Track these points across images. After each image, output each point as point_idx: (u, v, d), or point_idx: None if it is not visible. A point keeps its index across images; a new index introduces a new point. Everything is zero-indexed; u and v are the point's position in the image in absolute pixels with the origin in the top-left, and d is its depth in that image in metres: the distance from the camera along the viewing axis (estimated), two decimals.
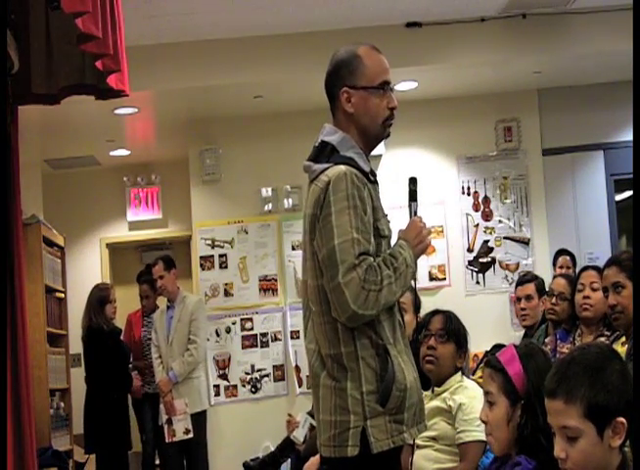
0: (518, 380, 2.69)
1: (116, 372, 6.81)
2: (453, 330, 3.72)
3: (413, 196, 2.94)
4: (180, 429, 6.71)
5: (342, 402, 2.70)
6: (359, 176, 2.74)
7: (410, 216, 2.90)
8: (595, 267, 4.47)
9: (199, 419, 6.81)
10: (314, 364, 2.81)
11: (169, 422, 6.73)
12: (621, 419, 2.08)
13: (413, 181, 2.96)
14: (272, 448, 6.60)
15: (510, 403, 2.70)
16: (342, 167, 2.73)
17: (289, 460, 6.14)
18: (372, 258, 2.68)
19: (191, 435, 6.70)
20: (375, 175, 2.89)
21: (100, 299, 6.85)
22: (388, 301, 2.70)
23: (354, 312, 2.64)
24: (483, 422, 2.81)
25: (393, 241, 2.87)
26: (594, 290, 4.25)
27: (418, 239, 2.83)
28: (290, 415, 5.25)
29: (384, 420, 2.68)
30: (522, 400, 2.67)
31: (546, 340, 4.83)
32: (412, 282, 2.84)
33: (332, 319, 2.73)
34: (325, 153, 2.84)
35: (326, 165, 2.78)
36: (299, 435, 5.05)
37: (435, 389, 3.70)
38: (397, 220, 3.09)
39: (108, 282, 7.79)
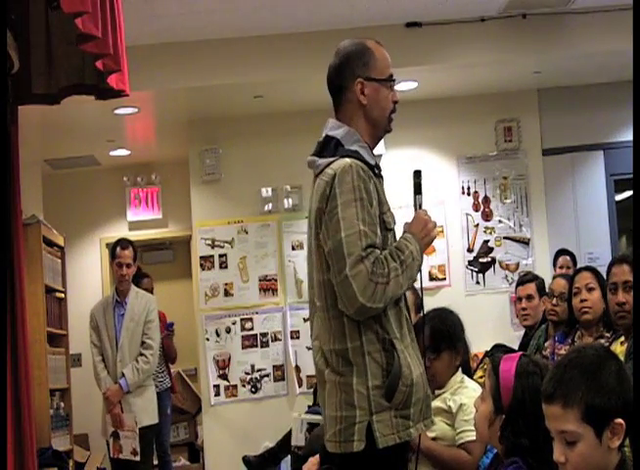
0: (505, 394, 2.66)
1: None
2: (443, 339, 3.58)
3: (418, 189, 2.95)
4: (127, 448, 6.06)
5: (348, 398, 2.70)
6: (365, 169, 2.75)
7: (415, 210, 2.91)
8: (589, 268, 4.45)
9: (148, 434, 6.23)
10: (318, 361, 2.82)
11: (116, 435, 6.11)
12: (620, 420, 2.08)
13: (418, 174, 2.96)
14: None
15: (494, 409, 2.69)
16: (348, 160, 2.74)
17: (288, 457, 6.12)
18: (379, 251, 2.68)
19: (138, 458, 6.04)
20: (380, 169, 2.90)
21: None
22: (395, 293, 2.70)
23: (362, 305, 2.63)
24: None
25: (398, 234, 2.87)
26: (590, 291, 4.24)
27: (424, 232, 2.83)
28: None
29: (389, 415, 2.69)
30: (503, 414, 2.65)
31: (546, 344, 4.81)
32: (417, 280, 2.83)
33: (338, 314, 2.73)
34: (330, 147, 2.85)
35: (331, 159, 2.79)
36: (300, 440, 4.99)
37: (436, 390, 3.69)
38: (398, 219, 3.08)
39: None
